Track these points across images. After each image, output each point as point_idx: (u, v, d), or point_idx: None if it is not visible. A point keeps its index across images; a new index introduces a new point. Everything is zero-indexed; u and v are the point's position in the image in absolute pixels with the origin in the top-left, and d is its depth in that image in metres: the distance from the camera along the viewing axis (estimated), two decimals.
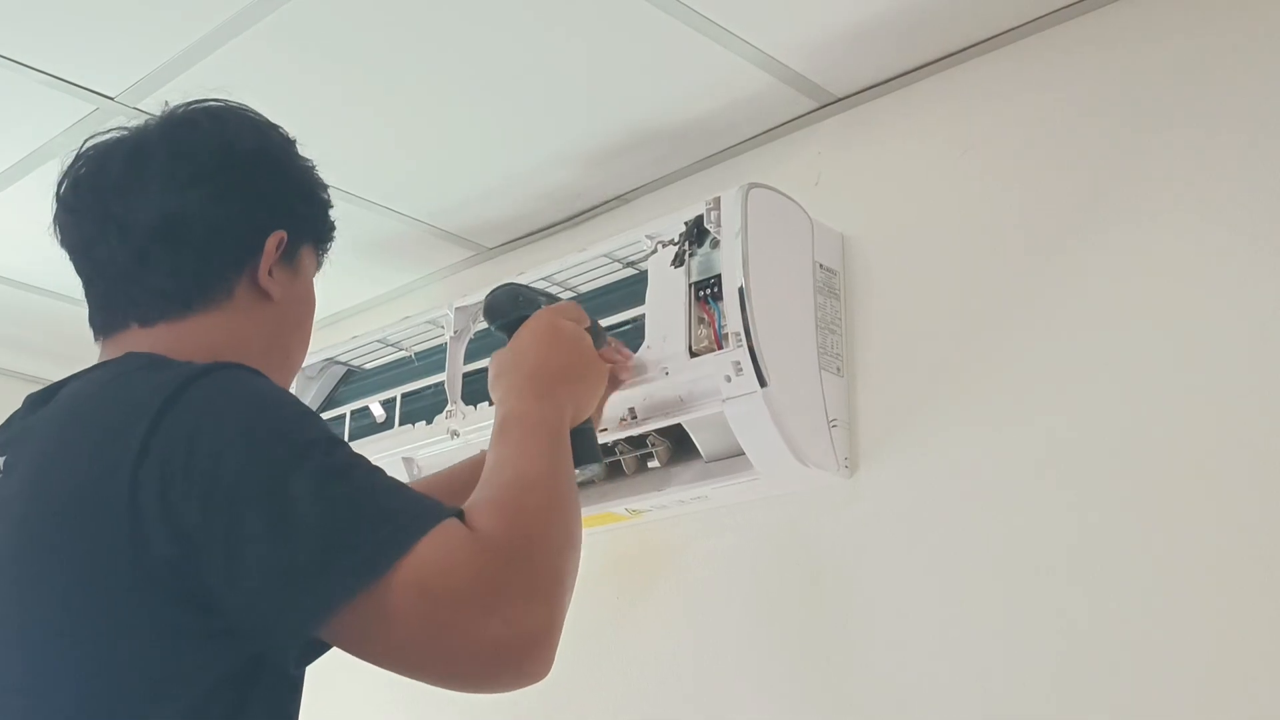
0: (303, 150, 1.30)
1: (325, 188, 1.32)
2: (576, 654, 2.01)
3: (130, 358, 1.14)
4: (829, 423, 1.72)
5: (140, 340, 1.18)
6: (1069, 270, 1.61)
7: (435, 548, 0.98)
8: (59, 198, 1.23)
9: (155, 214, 1.18)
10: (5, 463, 1.11)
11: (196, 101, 1.27)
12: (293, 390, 2.23)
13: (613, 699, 1.94)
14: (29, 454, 1.09)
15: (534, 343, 1.33)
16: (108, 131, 1.25)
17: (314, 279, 1.31)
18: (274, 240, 1.22)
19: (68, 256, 1.24)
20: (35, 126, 1.93)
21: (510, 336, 1.34)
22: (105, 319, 1.21)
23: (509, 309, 1.39)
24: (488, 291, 1.49)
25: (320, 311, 2.61)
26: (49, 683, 1.01)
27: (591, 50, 1.76)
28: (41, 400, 1.16)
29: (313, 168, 1.31)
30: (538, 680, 1.05)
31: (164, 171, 1.20)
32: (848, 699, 1.67)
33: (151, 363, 1.11)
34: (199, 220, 1.19)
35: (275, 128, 1.29)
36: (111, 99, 1.86)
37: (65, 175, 1.24)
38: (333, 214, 1.32)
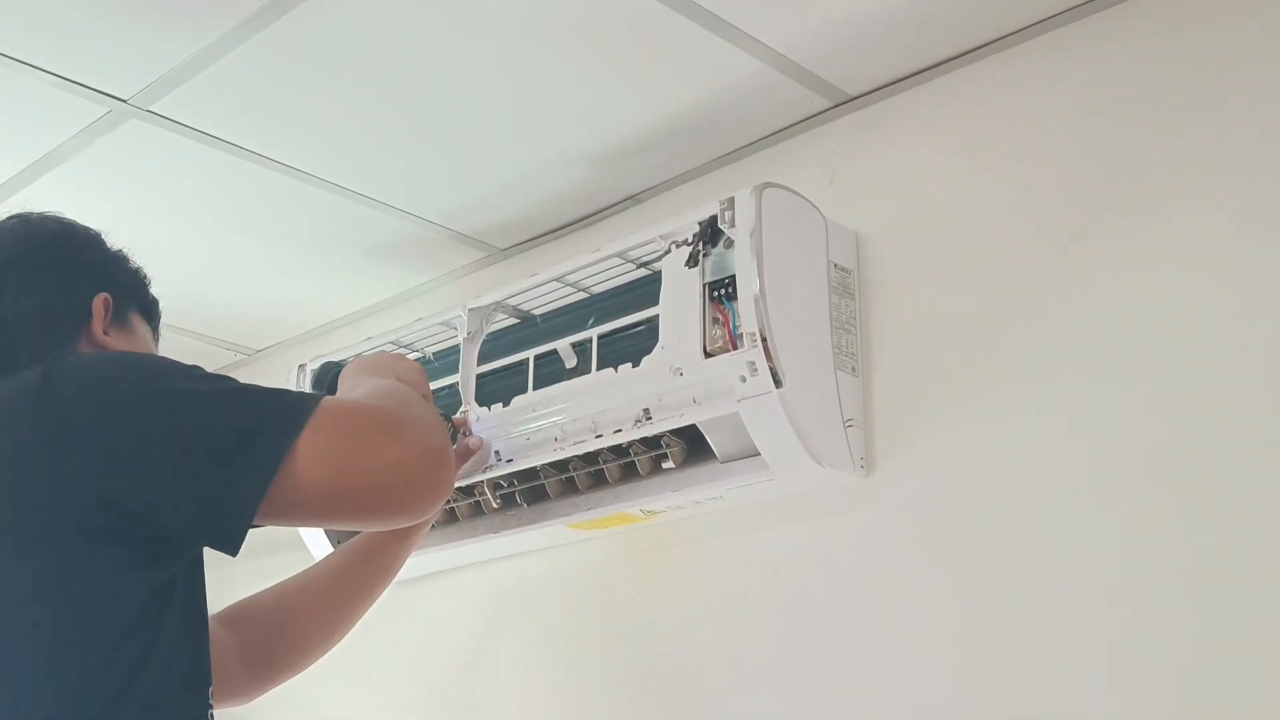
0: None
1: (139, 267, 1.50)
2: (593, 655, 2.01)
3: None
4: (844, 422, 1.71)
5: None
6: (1084, 268, 1.60)
7: (333, 405, 1.28)
8: None
9: None
10: None
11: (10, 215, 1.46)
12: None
13: (629, 701, 1.93)
14: None
15: (358, 363, 1.68)
16: None
17: (153, 347, 1.50)
18: (100, 302, 1.39)
19: None
20: (48, 130, 1.93)
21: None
22: None
23: (329, 372, 1.75)
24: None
25: (333, 313, 2.66)
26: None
27: (603, 49, 1.76)
28: None
29: (121, 251, 1.49)
30: (444, 496, 1.35)
31: None
32: (864, 698, 1.67)
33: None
34: (23, 299, 1.36)
35: (76, 223, 1.47)
36: (124, 101, 1.86)
37: None
38: (154, 291, 1.51)
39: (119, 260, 1.48)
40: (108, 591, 1.18)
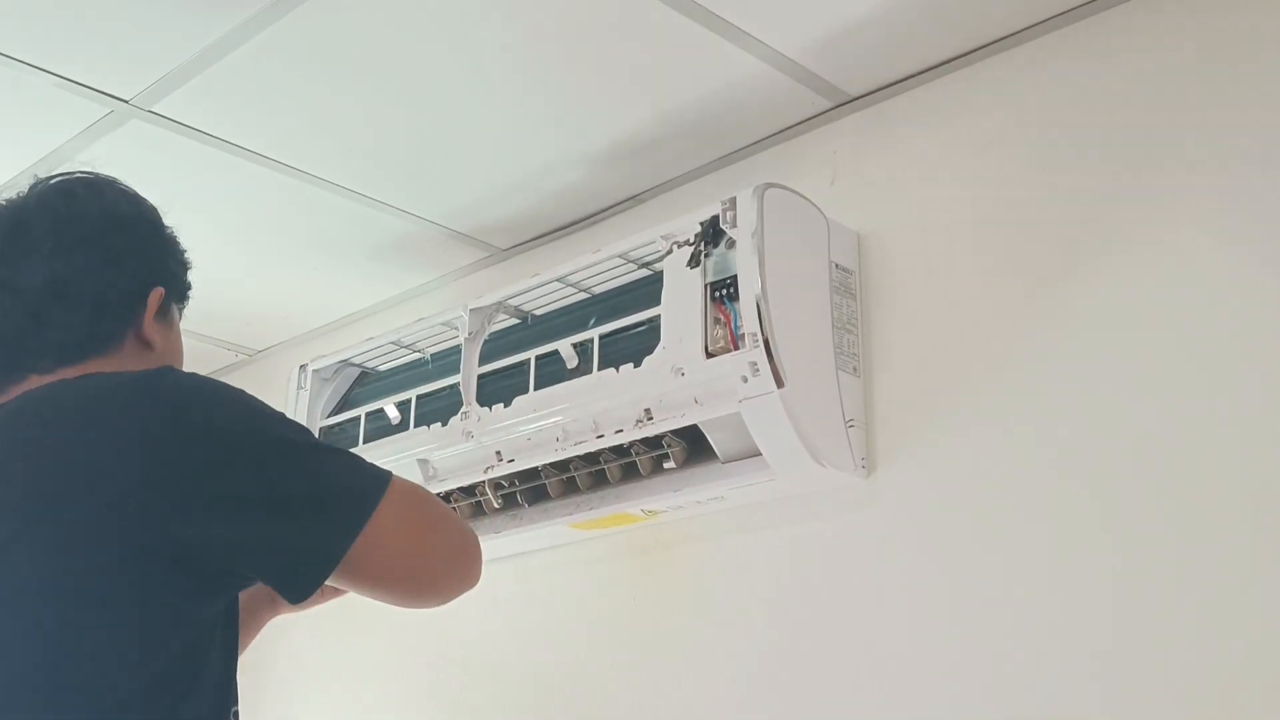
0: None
1: (184, 251, 1.46)
2: (592, 655, 2.01)
3: (54, 383, 1.28)
4: (846, 423, 1.71)
5: (39, 383, 1.30)
6: (1087, 269, 1.60)
7: (403, 480, 1.31)
8: None
9: (45, 276, 1.31)
10: None
11: (67, 174, 1.40)
12: (307, 391, 2.25)
13: (628, 701, 1.93)
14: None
15: None
16: None
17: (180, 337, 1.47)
18: (155, 295, 1.36)
19: None
20: (49, 130, 1.93)
21: None
22: (2, 372, 1.32)
23: None
24: None
25: (334, 313, 2.66)
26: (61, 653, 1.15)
27: (605, 50, 1.76)
28: None
29: (174, 233, 1.45)
30: (478, 581, 1.40)
31: (49, 237, 1.33)
32: (865, 698, 1.67)
33: (80, 378, 1.27)
34: (89, 280, 1.32)
35: (142, 198, 1.43)
36: (126, 102, 1.86)
37: None
38: (190, 276, 1.47)
39: (173, 246, 1.44)
40: (173, 616, 1.19)
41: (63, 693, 1.13)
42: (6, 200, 1.37)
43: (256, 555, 1.23)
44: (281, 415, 1.29)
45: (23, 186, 1.39)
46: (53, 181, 1.39)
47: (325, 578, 1.24)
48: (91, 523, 1.15)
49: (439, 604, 1.38)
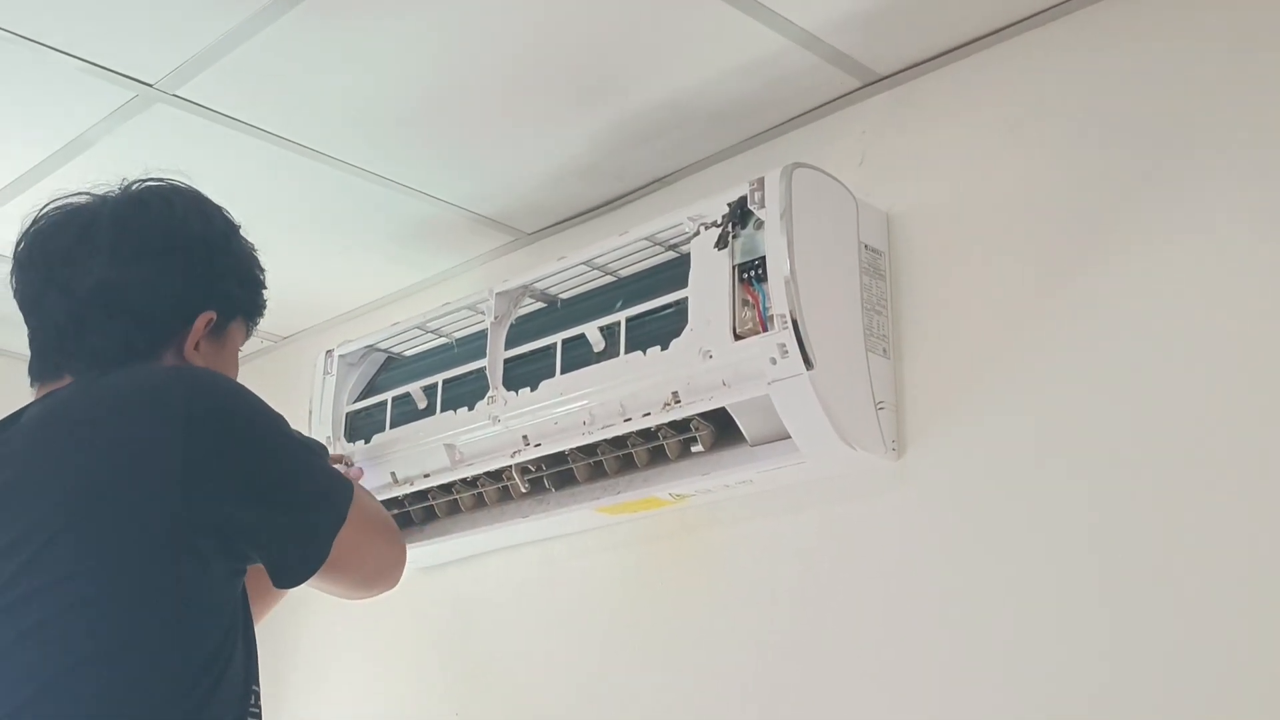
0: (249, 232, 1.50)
1: (262, 270, 1.50)
2: (618, 639, 2.00)
3: (85, 381, 1.33)
4: (876, 405, 1.70)
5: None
6: (1120, 249, 1.58)
7: (362, 489, 1.51)
8: (15, 254, 1.39)
9: (95, 282, 1.34)
10: None
11: (150, 180, 1.43)
12: (334, 377, 2.25)
13: (657, 685, 1.92)
14: (31, 458, 1.25)
15: None
16: (72, 196, 1.40)
17: (237, 353, 1.51)
18: (203, 320, 1.39)
19: (18, 308, 1.40)
20: (73, 115, 1.93)
21: None
22: (42, 367, 1.37)
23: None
24: None
25: (359, 298, 2.66)
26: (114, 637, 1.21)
27: (631, 29, 1.74)
28: (6, 424, 1.33)
29: (253, 251, 1.49)
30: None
31: (109, 245, 1.35)
32: (897, 682, 1.66)
33: (116, 374, 1.32)
34: (136, 292, 1.35)
35: (221, 211, 1.46)
36: (150, 85, 1.85)
37: (23, 235, 1.39)
38: (266, 294, 1.52)
39: (239, 266, 1.48)
40: (210, 597, 1.26)
41: (120, 669, 1.17)
42: (89, 199, 1.39)
43: (266, 540, 1.33)
44: (280, 416, 1.39)
45: (114, 186, 1.41)
46: (135, 187, 1.40)
47: (319, 567, 1.37)
48: (138, 508, 1.20)
49: (371, 596, 1.57)
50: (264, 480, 1.31)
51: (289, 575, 1.37)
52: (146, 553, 1.20)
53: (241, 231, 1.50)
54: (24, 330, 1.34)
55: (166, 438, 1.23)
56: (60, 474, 1.22)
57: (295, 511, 1.35)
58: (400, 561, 1.59)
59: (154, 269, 1.36)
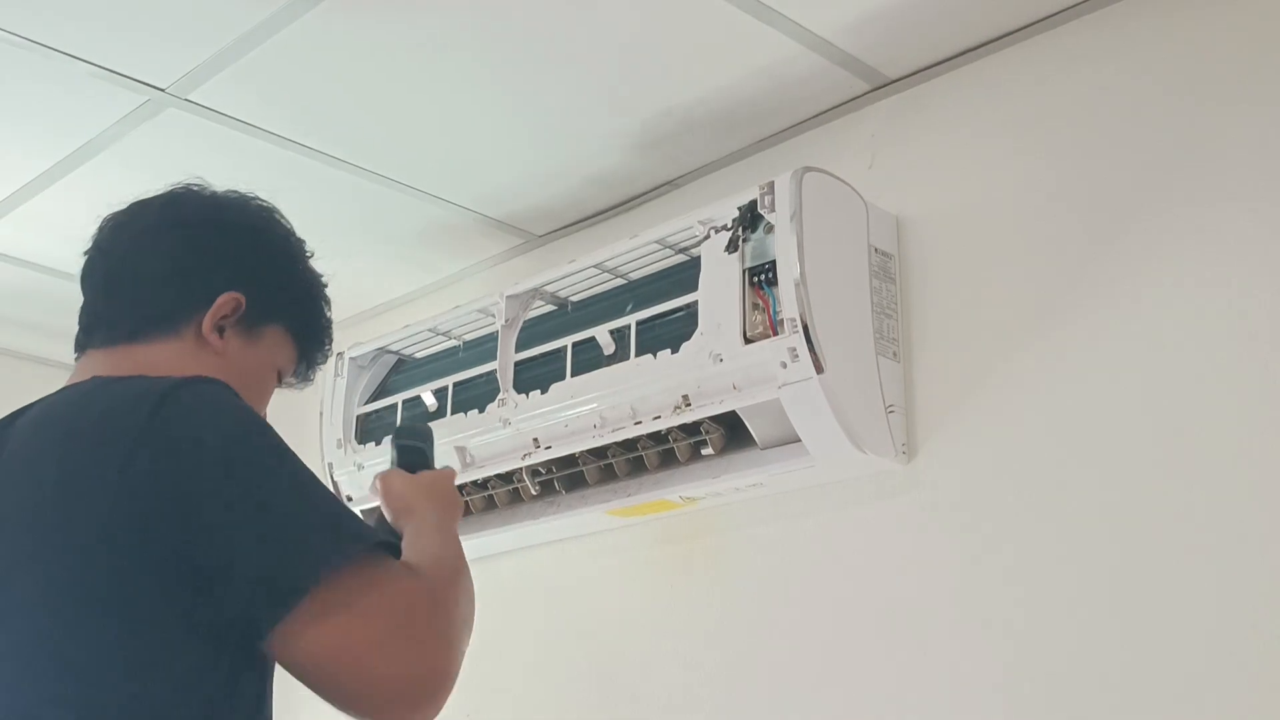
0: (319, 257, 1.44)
1: (327, 301, 1.43)
2: (629, 641, 2.01)
3: (96, 379, 1.23)
4: (886, 408, 1.70)
5: (102, 360, 1.28)
6: (1129, 252, 1.58)
7: (386, 565, 1.13)
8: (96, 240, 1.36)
9: (127, 249, 1.32)
10: None
11: (235, 190, 1.39)
12: (345, 379, 2.24)
13: (666, 687, 1.92)
14: (14, 471, 1.16)
15: (448, 488, 1.47)
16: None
17: (275, 369, 1.38)
18: (227, 300, 1.30)
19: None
20: (86, 119, 1.94)
21: (400, 451, 1.52)
22: (80, 337, 1.32)
23: (424, 436, 1.55)
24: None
25: (370, 300, 2.66)
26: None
27: (642, 33, 1.74)
28: (5, 424, 1.24)
29: (318, 277, 1.43)
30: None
31: (153, 216, 1.33)
32: (909, 685, 1.66)
33: (121, 379, 1.21)
34: (161, 262, 1.30)
35: (286, 225, 1.42)
36: (162, 90, 1.86)
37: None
38: (326, 326, 1.43)
39: (298, 275, 1.40)
40: (176, 671, 1.08)
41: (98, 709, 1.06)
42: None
43: (232, 577, 1.08)
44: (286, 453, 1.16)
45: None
46: (221, 190, 1.38)
47: (297, 599, 1.06)
48: (76, 550, 1.08)
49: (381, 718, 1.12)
50: (231, 510, 1.07)
51: (257, 618, 1.07)
52: (86, 599, 1.07)
53: (311, 260, 1.43)
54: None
55: (111, 463, 1.08)
56: (22, 500, 1.12)
57: (269, 541, 1.07)
58: (441, 679, 1.13)
59: (185, 242, 1.32)
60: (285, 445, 1.15)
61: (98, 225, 1.35)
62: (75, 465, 1.11)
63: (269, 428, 1.16)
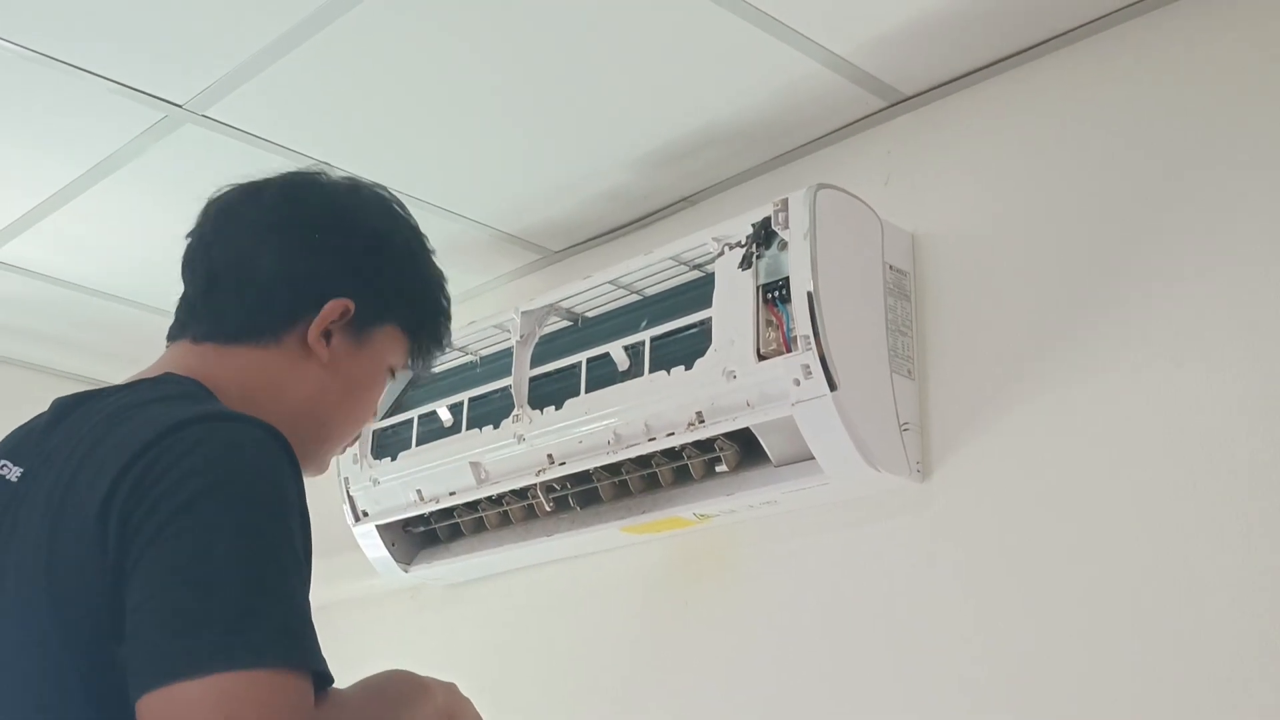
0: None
1: (447, 297, 1.33)
2: (642, 658, 2.00)
3: (163, 382, 1.17)
4: (900, 426, 1.69)
5: (188, 355, 1.22)
6: (1145, 270, 1.57)
7: (291, 686, 0.95)
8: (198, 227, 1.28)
9: (237, 247, 1.23)
10: (23, 474, 1.12)
11: (351, 177, 1.31)
12: None
13: (681, 704, 1.92)
14: (49, 476, 1.09)
15: (388, 688, 1.30)
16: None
17: (386, 368, 1.29)
18: (335, 306, 1.22)
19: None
20: (104, 135, 1.95)
21: None
22: (174, 327, 1.25)
23: None
24: None
25: None
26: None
27: (657, 51, 1.75)
28: (68, 409, 1.17)
29: (439, 274, 1.32)
30: None
31: (265, 212, 1.24)
32: (921, 704, 1.65)
33: (167, 396, 1.13)
34: (269, 263, 1.22)
35: (410, 220, 1.31)
36: (179, 106, 1.87)
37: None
38: (444, 324, 1.32)
39: (417, 273, 1.30)
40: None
41: None
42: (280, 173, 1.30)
43: (135, 625, 0.99)
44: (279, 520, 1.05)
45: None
46: (330, 175, 1.29)
47: (170, 681, 0.93)
48: (67, 598, 1.01)
49: None
50: (159, 563, 0.97)
51: (136, 677, 0.95)
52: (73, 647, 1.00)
53: (434, 256, 1.33)
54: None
55: (93, 505, 1.01)
56: (39, 518, 1.07)
57: (174, 614, 0.95)
58: None
59: (296, 243, 1.23)
60: (271, 519, 1.02)
61: (202, 208, 1.27)
62: (70, 501, 1.04)
63: (269, 497, 1.03)
